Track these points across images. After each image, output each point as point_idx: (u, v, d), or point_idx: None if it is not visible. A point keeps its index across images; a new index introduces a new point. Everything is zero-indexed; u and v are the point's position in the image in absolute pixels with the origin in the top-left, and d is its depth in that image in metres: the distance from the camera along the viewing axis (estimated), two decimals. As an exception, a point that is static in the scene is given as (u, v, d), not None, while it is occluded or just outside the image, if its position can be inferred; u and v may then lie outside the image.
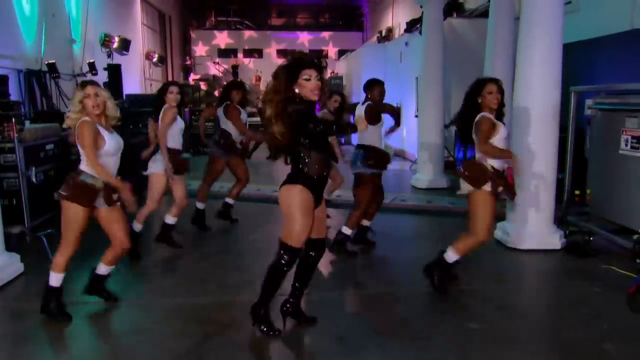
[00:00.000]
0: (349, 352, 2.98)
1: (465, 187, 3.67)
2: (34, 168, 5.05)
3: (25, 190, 4.93)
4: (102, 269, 3.50)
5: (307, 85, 2.88)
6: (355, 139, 5.28)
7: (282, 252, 2.97)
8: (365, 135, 4.47)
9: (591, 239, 4.90)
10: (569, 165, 5.30)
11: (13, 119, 4.98)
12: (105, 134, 3.25)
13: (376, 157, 4.44)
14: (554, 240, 4.89)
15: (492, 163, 3.61)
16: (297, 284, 3.19)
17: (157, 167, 4.49)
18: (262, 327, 3.10)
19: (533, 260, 4.53)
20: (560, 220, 5.24)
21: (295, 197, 2.92)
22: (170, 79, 20.27)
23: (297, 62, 2.91)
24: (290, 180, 2.96)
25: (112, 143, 3.27)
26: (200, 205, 5.50)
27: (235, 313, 3.48)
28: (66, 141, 5.79)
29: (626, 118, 4.74)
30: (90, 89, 3.18)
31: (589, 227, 5.05)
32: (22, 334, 3.22)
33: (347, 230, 4.57)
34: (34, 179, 5.04)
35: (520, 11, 4.97)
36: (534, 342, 3.17)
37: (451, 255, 3.68)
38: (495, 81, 3.66)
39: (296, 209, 2.91)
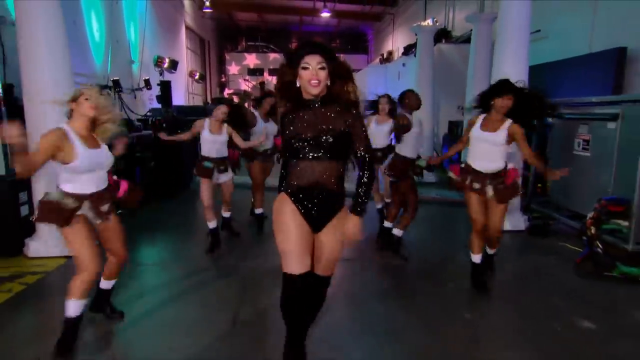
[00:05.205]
0: (350, 342, 2.71)
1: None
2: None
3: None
4: (104, 283, 2.81)
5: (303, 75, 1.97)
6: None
7: None
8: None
9: (551, 222, 5.06)
10: (533, 163, 5.45)
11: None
12: (80, 148, 2.37)
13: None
14: (520, 223, 5.07)
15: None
16: None
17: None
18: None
19: (504, 239, 4.61)
20: (525, 208, 5.41)
21: None
22: (208, 93, 20.64)
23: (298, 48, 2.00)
24: None
25: (85, 160, 2.38)
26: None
27: (259, 304, 3.19)
28: (132, 143, 5.95)
29: (580, 125, 4.92)
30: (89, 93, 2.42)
31: (548, 213, 5.22)
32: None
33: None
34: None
35: (495, 38, 5.15)
36: (497, 299, 3.39)
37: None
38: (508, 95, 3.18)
39: None
